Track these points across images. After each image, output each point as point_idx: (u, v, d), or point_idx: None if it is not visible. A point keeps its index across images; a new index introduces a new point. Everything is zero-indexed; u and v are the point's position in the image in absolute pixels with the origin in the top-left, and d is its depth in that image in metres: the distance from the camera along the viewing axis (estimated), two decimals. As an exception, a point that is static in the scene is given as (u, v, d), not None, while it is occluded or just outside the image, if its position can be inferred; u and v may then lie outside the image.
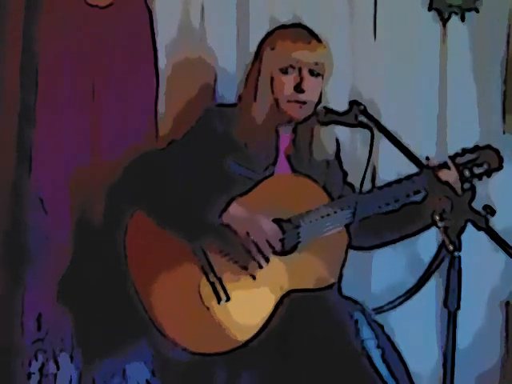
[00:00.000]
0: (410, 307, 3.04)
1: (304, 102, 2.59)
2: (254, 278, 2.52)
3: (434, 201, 2.53)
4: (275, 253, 2.53)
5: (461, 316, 2.17)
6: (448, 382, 2.17)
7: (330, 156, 2.73)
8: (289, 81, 2.59)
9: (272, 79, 2.60)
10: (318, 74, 2.61)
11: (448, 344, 2.16)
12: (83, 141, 2.85)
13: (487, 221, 2.16)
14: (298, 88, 2.58)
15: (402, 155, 2.39)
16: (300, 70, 2.59)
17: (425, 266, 3.05)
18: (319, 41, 2.62)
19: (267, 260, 2.52)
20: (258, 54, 2.64)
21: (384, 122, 2.51)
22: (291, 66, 2.59)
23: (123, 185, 2.60)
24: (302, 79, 2.58)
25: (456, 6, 3.17)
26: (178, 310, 2.50)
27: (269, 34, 2.67)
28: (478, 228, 2.16)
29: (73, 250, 2.83)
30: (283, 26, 2.69)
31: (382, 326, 2.58)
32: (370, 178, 3.03)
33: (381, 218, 2.66)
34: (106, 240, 2.69)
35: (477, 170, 2.62)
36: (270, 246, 2.51)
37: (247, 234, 2.48)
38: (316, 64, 2.60)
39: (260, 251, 2.50)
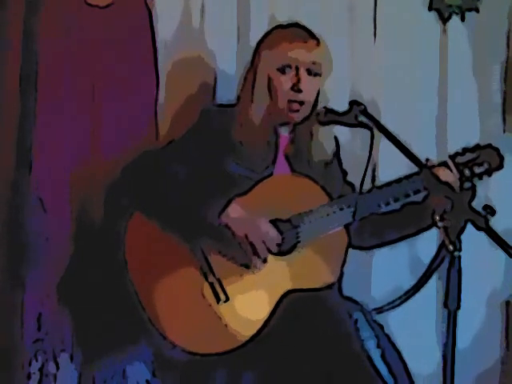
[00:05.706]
0: (410, 307, 3.03)
1: (302, 102, 2.58)
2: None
3: (435, 201, 2.53)
4: (275, 253, 2.53)
5: (461, 316, 2.17)
6: (448, 381, 2.16)
7: (330, 155, 2.73)
8: (286, 80, 2.58)
9: (269, 80, 2.59)
10: (315, 74, 2.60)
11: (448, 344, 2.16)
12: (83, 141, 2.86)
13: (487, 221, 2.15)
14: (296, 87, 2.57)
15: (402, 155, 2.39)
16: (297, 69, 2.58)
17: (425, 266, 3.04)
18: (317, 40, 2.61)
19: (264, 262, 2.52)
20: (256, 55, 2.64)
21: (384, 122, 2.51)
22: (288, 66, 2.58)
23: (122, 184, 2.60)
24: (299, 79, 2.58)
25: (456, 5, 3.18)
26: (179, 310, 2.50)
27: (266, 35, 2.67)
28: (478, 228, 2.16)
29: (73, 250, 2.84)
30: (281, 26, 2.68)
31: (381, 326, 2.58)
32: (370, 177, 3.03)
33: (381, 218, 2.66)
34: (106, 240, 2.69)
35: (477, 170, 2.62)
36: (268, 248, 2.51)
37: (245, 235, 2.48)
38: (313, 63, 2.59)
39: (257, 253, 2.50)
